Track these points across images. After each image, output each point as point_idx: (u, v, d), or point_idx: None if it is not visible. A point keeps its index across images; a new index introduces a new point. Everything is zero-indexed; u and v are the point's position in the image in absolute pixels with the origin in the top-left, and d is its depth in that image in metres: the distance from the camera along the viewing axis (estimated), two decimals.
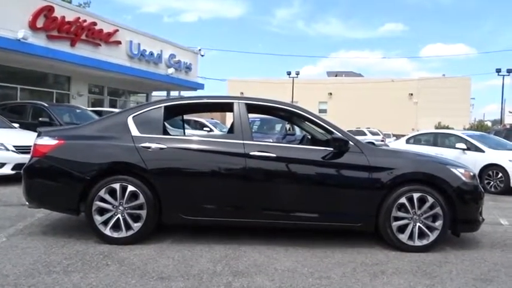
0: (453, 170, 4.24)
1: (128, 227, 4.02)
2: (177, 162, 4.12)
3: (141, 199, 4.01)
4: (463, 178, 4.21)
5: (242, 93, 52.29)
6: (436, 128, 39.57)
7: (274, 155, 4.07)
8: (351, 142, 4.15)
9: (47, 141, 4.15)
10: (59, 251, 3.79)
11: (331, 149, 4.17)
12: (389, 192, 4.08)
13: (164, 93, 22.79)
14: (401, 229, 4.10)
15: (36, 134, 4.38)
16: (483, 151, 9.50)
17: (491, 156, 9.29)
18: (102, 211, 4.03)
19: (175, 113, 5.24)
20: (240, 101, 4.34)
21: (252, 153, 4.06)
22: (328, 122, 4.39)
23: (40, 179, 4.17)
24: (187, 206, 4.08)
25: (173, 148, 4.09)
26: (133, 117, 4.25)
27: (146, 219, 4.01)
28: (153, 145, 4.08)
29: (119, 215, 4.02)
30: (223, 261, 3.68)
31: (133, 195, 4.02)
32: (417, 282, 3.31)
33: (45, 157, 4.11)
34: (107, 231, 4.01)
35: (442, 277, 3.46)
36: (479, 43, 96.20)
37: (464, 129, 40.14)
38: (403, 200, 4.08)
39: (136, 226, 4.02)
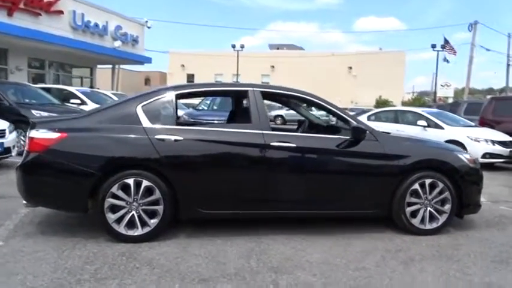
0: (460, 156, 4.43)
1: (143, 224, 3.80)
2: (195, 155, 3.91)
3: (157, 194, 3.79)
4: (469, 163, 4.42)
5: (183, 65, 51.07)
6: (377, 101, 41.32)
7: (294, 145, 4.00)
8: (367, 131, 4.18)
9: (47, 134, 3.76)
10: (74, 254, 3.51)
11: (347, 137, 4.17)
12: (404, 179, 4.18)
13: (110, 67, 21.61)
14: (414, 214, 4.24)
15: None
16: (442, 128, 10.03)
17: (450, 133, 9.82)
18: (114, 208, 3.76)
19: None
20: (255, 89, 4.18)
21: (272, 143, 3.95)
22: (342, 110, 4.38)
23: (42, 176, 3.79)
24: (206, 200, 3.92)
25: (190, 140, 3.87)
26: (142, 106, 3.95)
27: (163, 215, 3.81)
28: (168, 137, 3.84)
29: (133, 212, 3.78)
30: (252, 256, 3.60)
31: (148, 191, 3.79)
32: (448, 268, 3.44)
33: (46, 152, 3.73)
34: (121, 229, 3.77)
35: (464, 261, 3.62)
36: (409, 17, 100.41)
37: (403, 103, 42.24)
38: (416, 186, 4.20)
39: (153, 223, 3.81)
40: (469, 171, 4.39)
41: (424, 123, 10.23)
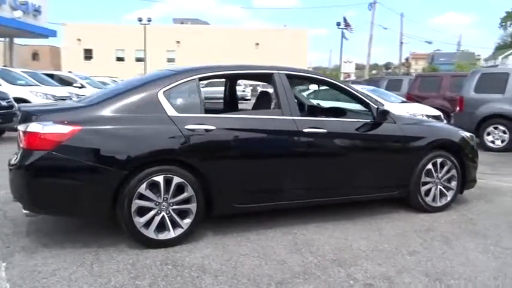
0: (463, 134, 4.65)
1: (175, 225, 3.40)
2: (229, 145, 3.57)
3: (189, 191, 3.40)
4: (470, 142, 4.67)
5: (79, 39, 47.09)
6: None
7: (325, 131, 3.85)
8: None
9: (56, 128, 3.13)
10: (108, 268, 3.02)
11: (366, 120, 4.13)
12: (420, 159, 4.29)
13: (6, 39, 19.02)
14: (427, 193, 4.39)
15: None
16: (383, 105, 10.52)
17: (391, 109, 10.34)
18: (142, 211, 3.30)
19: (208, 85, 4.47)
20: (280, 72, 3.90)
21: (304, 130, 3.76)
22: (363, 93, 4.32)
23: (53, 178, 3.17)
24: (241, 194, 3.63)
25: (222, 129, 3.51)
26: (164, 92, 3.47)
27: (196, 214, 3.44)
28: (198, 127, 3.44)
29: (163, 213, 3.36)
30: (301, 249, 3.43)
31: (179, 188, 3.39)
32: (485, 244, 3.61)
33: (57, 149, 3.11)
34: (151, 233, 3.33)
35: (491, 235, 3.82)
36: None
37: None
38: (429, 166, 4.34)
39: (186, 223, 3.43)
40: (470, 149, 4.65)
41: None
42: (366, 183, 4.12)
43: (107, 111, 3.32)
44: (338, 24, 34.11)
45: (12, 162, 3.33)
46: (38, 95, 10.40)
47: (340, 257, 3.30)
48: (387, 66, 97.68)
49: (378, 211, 4.40)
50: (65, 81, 15.26)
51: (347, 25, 33.96)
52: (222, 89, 5.22)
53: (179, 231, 3.41)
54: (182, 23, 51.99)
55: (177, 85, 3.54)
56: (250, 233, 3.74)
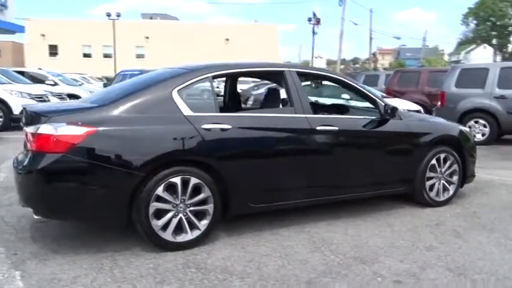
0: (463, 130, 4.76)
1: (192, 227, 3.33)
2: (244, 145, 3.51)
3: (206, 192, 3.33)
4: (469, 137, 4.79)
5: (43, 35, 45.49)
6: None
7: (337, 128, 3.84)
8: None
9: (69, 129, 2.99)
10: (131, 273, 2.92)
11: (372, 117, 4.16)
12: (425, 155, 4.35)
13: None
14: (431, 187, 4.47)
15: None
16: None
17: None
18: (159, 213, 3.21)
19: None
20: (290, 69, 3.86)
21: (317, 128, 3.74)
22: (370, 90, 4.35)
23: (66, 182, 3.03)
24: (257, 194, 3.58)
25: (237, 128, 3.44)
26: (178, 91, 3.38)
27: (213, 215, 3.38)
28: (214, 126, 3.36)
29: (181, 215, 3.28)
30: (320, 247, 3.42)
31: (196, 189, 3.31)
32: (495, 237, 3.69)
33: (71, 152, 2.97)
34: (169, 236, 3.25)
35: (498, 228, 3.91)
36: None
37: None
38: (433, 161, 4.42)
39: (203, 224, 3.36)
40: (470, 145, 4.77)
41: (347, 96, 10.77)
42: (376, 180, 4.16)
43: (121, 112, 3.20)
44: (309, 19, 34.36)
45: (21, 166, 3.17)
46: (13, 94, 9.98)
47: (360, 254, 3.31)
48: (355, 61, 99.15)
49: (383, 207, 4.44)
50: (36, 79, 14.69)
51: (317, 21, 34.24)
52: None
53: (196, 232, 3.34)
54: (151, 18, 51.06)
55: (191, 83, 3.45)
56: (265, 233, 3.70)
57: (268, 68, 4.17)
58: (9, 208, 4.28)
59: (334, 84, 4.85)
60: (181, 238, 3.29)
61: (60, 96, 12.31)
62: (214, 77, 3.60)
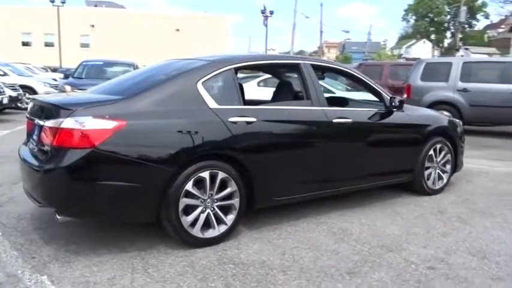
0: (456, 121, 5.02)
1: (219, 222, 3.27)
2: (268, 137, 3.48)
3: (233, 186, 3.28)
4: (460, 127, 5.05)
5: None
6: None
7: (351, 120, 3.91)
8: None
9: (98, 123, 2.83)
10: (166, 272, 2.83)
11: (376, 109, 4.28)
12: (425, 145, 4.54)
13: None
14: (428, 177, 4.67)
15: None
16: (334, 93, 10.92)
17: None
18: (187, 209, 3.13)
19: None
20: (305, 62, 3.88)
21: (334, 120, 3.79)
22: (376, 84, 4.45)
23: (94, 180, 2.85)
24: (280, 187, 3.58)
25: (262, 121, 3.41)
26: (202, 83, 3.28)
27: (239, 209, 3.34)
28: (240, 119, 3.31)
29: (208, 210, 3.21)
30: (344, 238, 3.49)
31: (223, 183, 3.25)
32: (497, 222, 3.94)
33: (100, 148, 2.81)
34: (197, 232, 3.18)
35: (497, 213, 4.17)
36: None
37: None
38: (431, 151, 4.62)
39: (229, 219, 3.31)
40: (460, 134, 5.03)
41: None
42: (385, 170, 4.30)
43: (147, 105, 3.06)
44: (263, 11, 34.45)
45: (38, 162, 2.96)
46: None
47: (384, 243, 3.41)
48: (300, 54, 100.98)
49: (383, 197, 4.59)
50: None
51: (271, 12, 34.45)
52: None
53: (223, 228, 3.28)
54: (96, 5, 48.86)
55: (214, 75, 3.36)
56: (284, 225, 3.71)
57: (284, 61, 4.16)
58: (1, 209, 3.99)
59: (327, 77, 4.92)
60: (209, 234, 3.22)
61: (13, 87, 11.52)
62: (236, 69, 3.53)
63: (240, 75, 4.16)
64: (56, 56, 36.07)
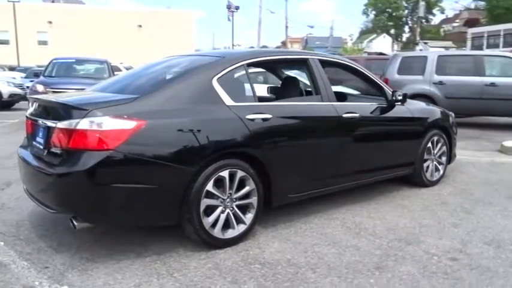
0: (449, 113, 5.13)
1: (238, 222, 3.20)
2: (284, 134, 3.43)
3: (251, 185, 3.22)
4: (453, 120, 5.18)
5: None
6: None
7: (359, 115, 3.92)
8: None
9: (118, 124, 2.69)
10: (194, 276, 2.74)
11: (379, 103, 4.32)
12: (424, 138, 4.63)
13: None
14: (426, 169, 4.76)
15: None
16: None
17: None
18: (207, 210, 3.04)
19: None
20: (314, 57, 3.85)
21: (343, 115, 3.79)
22: (379, 80, 4.48)
23: (115, 183, 2.71)
24: (296, 184, 3.55)
25: (277, 118, 3.35)
26: (217, 79, 3.19)
27: (257, 208, 3.28)
28: (256, 116, 3.24)
29: (228, 210, 3.14)
30: (360, 233, 3.49)
31: (241, 182, 3.18)
32: (498, 210, 4.07)
33: (120, 149, 2.68)
34: (218, 233, 3.10)
35: (496, 202, 4.30)
36: None
37: None
38: (429, 144, 4.71)
39: (248, 218, 3.25)
40: (454, 127, 5.16)
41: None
42: (391, 163, 4.35)
43: (164, 103, 2.94)
44: (228, 7, 34.25)
45: (50, 166, 2.79)
46: None
47: (400, 236, 3.44)
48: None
49: (385, 190, 4.64)
50: None
51: (236, 8, 34.32)
52: None
53: (242, 227, 3.22)
54: (53, 1, 46.97)
55: (228, 71, 3.27)
56: (297, 222, 3.69)
57: (293, 56, 4.11)
58: None
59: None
60: (229, 234, 3.15)
61: None
62: (249, 65, 3.46)
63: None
64: (12, 54, 34.55)
